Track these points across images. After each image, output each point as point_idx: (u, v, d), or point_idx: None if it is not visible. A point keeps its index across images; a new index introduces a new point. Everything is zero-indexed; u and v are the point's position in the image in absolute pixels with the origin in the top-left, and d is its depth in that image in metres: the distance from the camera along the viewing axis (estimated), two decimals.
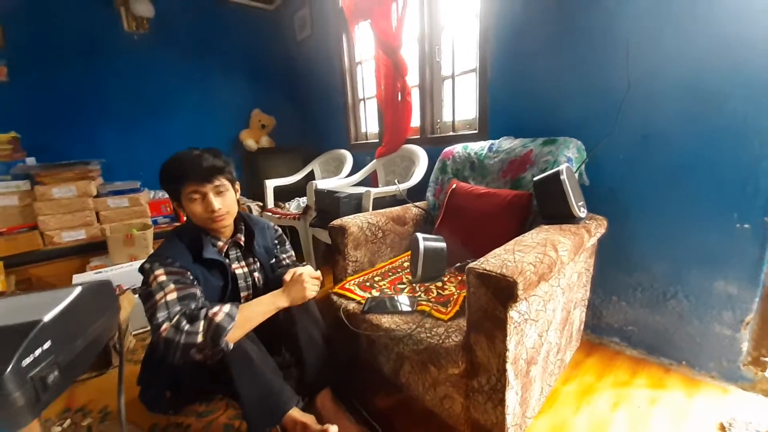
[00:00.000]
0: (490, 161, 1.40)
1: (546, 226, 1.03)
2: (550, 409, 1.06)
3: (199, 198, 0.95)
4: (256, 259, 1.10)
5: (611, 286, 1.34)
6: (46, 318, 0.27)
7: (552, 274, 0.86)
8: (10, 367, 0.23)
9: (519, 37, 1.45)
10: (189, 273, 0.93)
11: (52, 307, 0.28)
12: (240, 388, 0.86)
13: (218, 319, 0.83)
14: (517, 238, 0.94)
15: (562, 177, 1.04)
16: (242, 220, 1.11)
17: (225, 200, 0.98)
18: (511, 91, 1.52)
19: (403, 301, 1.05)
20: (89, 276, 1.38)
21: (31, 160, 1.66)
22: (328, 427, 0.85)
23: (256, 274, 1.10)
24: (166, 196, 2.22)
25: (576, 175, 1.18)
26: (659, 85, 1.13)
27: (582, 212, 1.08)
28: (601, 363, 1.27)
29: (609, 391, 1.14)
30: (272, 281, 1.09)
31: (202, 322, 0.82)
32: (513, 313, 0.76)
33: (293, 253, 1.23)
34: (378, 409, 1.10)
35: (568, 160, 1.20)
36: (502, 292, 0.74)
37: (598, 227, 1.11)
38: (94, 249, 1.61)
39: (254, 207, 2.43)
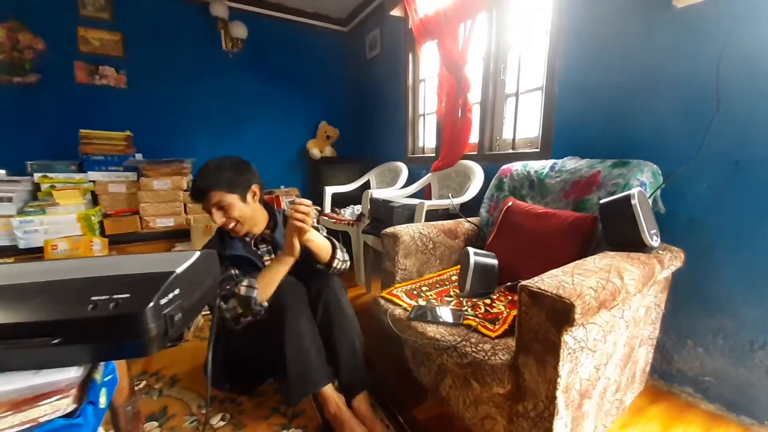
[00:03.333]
0: (552, 181, 1.35)
1: (612, 253, 0.97)
2: None
3: (212, 212, 1.06)
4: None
5: (686, 328, 1.20)
6: (178, 270, 0.35)
7: (615, 303, 0.81)
8: (152, 304, 0.31)
9: (590, 53, 1.40)
10: (226, 261, 1.06)
11: (181, 263, 0.36)
12: (287, 359, 0.95)
13: (242, 292, 0.96)
14: (577, 262, 0.90)
15: (633, 201, 0.98)
16: (276, 216, 1.22)
17: (229, 213, 1.05)
18: (579, 109, 1.46)
19: (449, 313, 1.05)
20: None
21: (139, 156, 1.99)
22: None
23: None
24: None
25: (650, 200, 1.09)
26: (758, 107, 1.02)
27: (654, 241, 1.00)
28: (668, 413, 1.13)
29: None
30: (303, 270, 1.17)
31: (232, 300, 0.96)
32: (568, 338, 0.73)
33: (325, 233, 1.25)
34: (417, 420, 1.10)
35: (641, 184, 1.12)
36: (557, 314, 0.71)
37: (673, 259, 1.01)
38: (180, 236, 1.86)
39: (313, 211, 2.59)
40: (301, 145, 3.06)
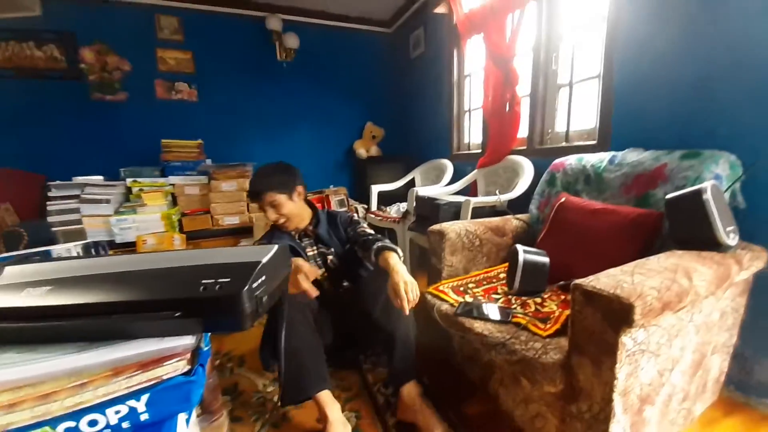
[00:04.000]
0: (611, 175, 1.27)
1: (679, 252, 0.91)
2: None
3: (265, 210, 1.21)
4: (329, 246, 1.30)
5: None
6: (264, 260, 0.43)
7: (682, 305, 0.76)
8: (247, 286, 0.38)
9: (654, 38, 1.29)
10: None
11: (264, 255, 0.44)
12: (282, 368, 0.99)
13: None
14: (638, 261, 0.85)
15: (705, 196, 0.90)
16: (318, 215, 1.33)
17: (280, 211, 1.21)
18: (642, 98, 1.35)
19: (498, 311, 1.05)
20: None
21: (209, 161, 2.23)
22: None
23: (329, 257, 1.30)
24: None
25: (726, 195, 0.99)
26: None
27: (732, 239, 0.91)
28: (744, 426, 1.02)
29: None
30: (351, 265, 1.29)
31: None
32: (627, 340, 0.70)
33: (367, 229, 1.30)
34: (465, 415, 1.11)
35: (716, 177, 1.02)
36: (614, 314, 0.69)
37: (753, 260, 0.92)
38: (243, 232, 2.06)
39: (360, 208, 2.69)
40: (348, 145, 3.18)
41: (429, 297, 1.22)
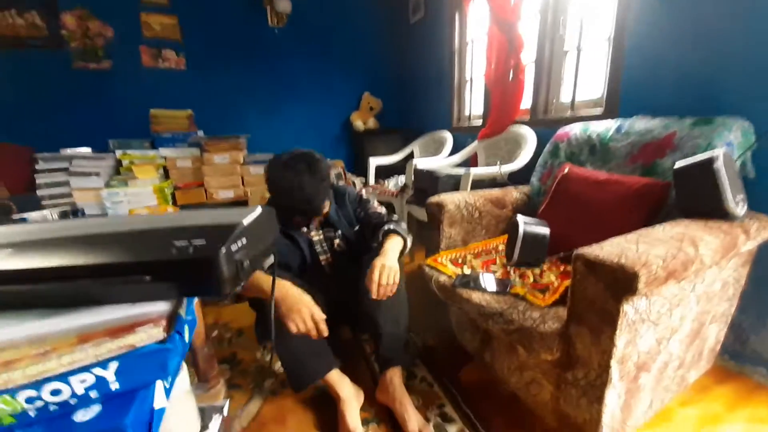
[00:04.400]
0: (617, 144, 1.22)
1: (686, 221, 0.88)
2: (658, 426, 0.93)
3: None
4: (336, 228, 1.19)
5: None
6: (244, 221, 0.39)
7: (686, 274, 0.74)
8: (224, 248, 0.35)
9: None
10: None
11: (246, 216, 0.40)
12: (278, 354, 0.98)
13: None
14: (642, 230, 0.83)
15: (716, 164, 0.86)
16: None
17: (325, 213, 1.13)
18: (654, 62, 1.28)
19: (496, 282, 1.03)
20: None
21: (200, 133, 2.15)
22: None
23: (336, 241, 1.19)
24: None
25: (737, 163, 0.95)
26: None
27: (740, 209, 0.88)
28: (736, 394, 1.04)
29: (741, 425, 0.94)
30: (359, 248, 1.17)
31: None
32: (628, 308, 0.69)
33: (378, 208, 1.21)
34: (461, 383, 1.13)
35: (728, 144, 0.97)
36: (617, 283, 0.67)
37: (760, 230, 0.89)
38: (239, 206, 2.02)
39: (357, 182, 2.64)
40: (345, 117, 3.08)
41: (427, 269, 1.20)
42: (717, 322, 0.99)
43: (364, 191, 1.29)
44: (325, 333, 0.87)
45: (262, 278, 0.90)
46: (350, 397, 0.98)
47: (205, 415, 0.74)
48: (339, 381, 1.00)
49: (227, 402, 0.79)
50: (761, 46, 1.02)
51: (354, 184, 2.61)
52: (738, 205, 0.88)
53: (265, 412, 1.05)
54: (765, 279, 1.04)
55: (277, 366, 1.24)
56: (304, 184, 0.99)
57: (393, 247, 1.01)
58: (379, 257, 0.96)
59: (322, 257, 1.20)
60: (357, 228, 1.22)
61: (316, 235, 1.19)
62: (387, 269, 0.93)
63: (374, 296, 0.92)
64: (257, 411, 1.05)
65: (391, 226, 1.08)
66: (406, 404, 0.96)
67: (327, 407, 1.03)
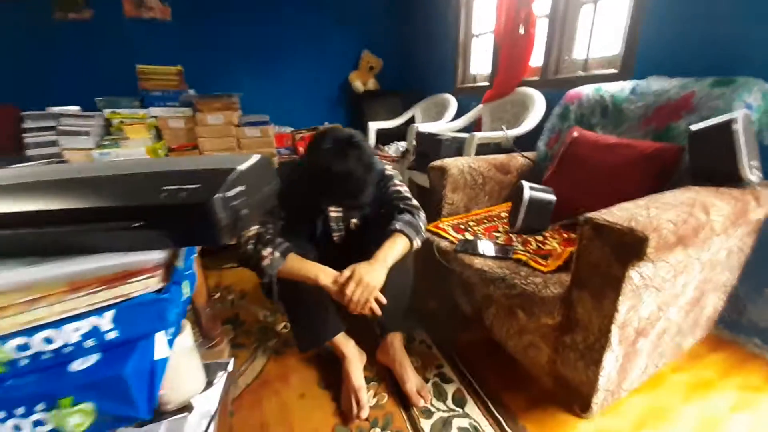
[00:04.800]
0: (631, 106, 1.16)
1: (696, 187, 0.85)
2: (651, 390, 0.97)
3: None
4: (360, 209, 1.09)
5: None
6: (240, 167, 0.36)
7: (696, 240, 0.73)
8: (218, 194, 0.32)
9: None
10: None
11: (243, 162, 0.37)
12: (288, 315, 1.00)
13: (265, 263, 0.88)
14: (652, 195, 0.80)
15: (735, 126, 0.82)
16: None
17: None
18: (676, 17, 1.19)
19: (498, 248, 1.02)
20: None
21: (192, 92, 2.03)
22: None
23: (353, 220, 1.11)
24: (288, 131, 2.51)
25: (755, 127, 0.91)
26: None
27: (754, 175, 0.85)
28: (728, 362, 1.07)
29: (731, 392, 0.97)
30: (372, 227, 1.08)
31: (259, 256, 0.89)
32: (634, 274, 0.68)
33: (399, 186, 1.11)
34: (460, 346, 1.15)
35: (748, 106, 0.92)
36: (625, 248, 0.66)
37: None
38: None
39: None
40: (344, 78, 2.92)
41: (428, 234, 1.18)
42: (717, 291, 1.00)
43: (389, 167, 1.16)
44: (378, 312, 0.88)
45: (306, 264, 0.91)
46: (355, 356, 1.00)
47: (210, 371, 0.75)
48: (345, 342, 1.02)
49: (232, 360, 0.80)
50: None
51: None
52: (752, 171, 0.85)
53: (269, 369, 1.08)
54: (766, 248, 1.04)
55: (281, 326, 1.26)
56: (354, 176, 0.88)
57: (388, 254, 0.91)
58: (363, 266, 0.87)
59: (335, 234, 1.12)
60: (379, 206, 1.10)
61: (335, 212, 1.10)
62: (363, 286, 0.84)
63: (347, 308, 0.87)
64: (261, 368, 1.08)
65: (399, 225, 0.96)
66: (405, 365, 0.98)
67: (329, 366, 1.06)
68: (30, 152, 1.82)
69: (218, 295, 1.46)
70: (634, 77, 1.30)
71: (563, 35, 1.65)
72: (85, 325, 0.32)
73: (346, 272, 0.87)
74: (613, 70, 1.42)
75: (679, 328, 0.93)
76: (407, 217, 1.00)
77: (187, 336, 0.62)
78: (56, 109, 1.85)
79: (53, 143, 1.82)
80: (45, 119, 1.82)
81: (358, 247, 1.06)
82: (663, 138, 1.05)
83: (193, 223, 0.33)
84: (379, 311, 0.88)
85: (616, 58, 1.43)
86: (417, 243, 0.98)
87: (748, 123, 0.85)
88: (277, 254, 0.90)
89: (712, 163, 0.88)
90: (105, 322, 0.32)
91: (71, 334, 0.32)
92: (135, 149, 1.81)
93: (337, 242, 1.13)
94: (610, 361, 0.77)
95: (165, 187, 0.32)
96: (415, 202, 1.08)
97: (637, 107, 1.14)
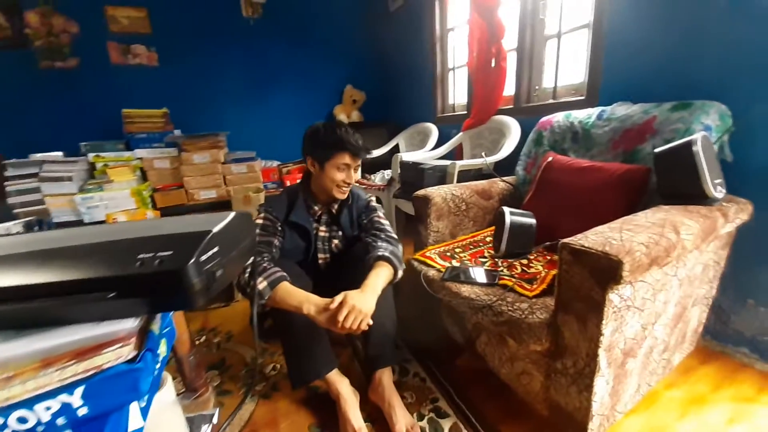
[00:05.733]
0: (599, 131, 1.23)
1: (666, 206, 0.89)
2: (646, 410, 0.96)
3: (345, 169, 1.09)
4: (340, 228, 1.19)
5: (748, 288, 1.10)
6: (215, 229, 0.37)
7: (669, 259, 0.75)
8: (193, 259, 0.32)
9: None
10: (279, 224, 1.10)
11: (217, 223, 0.38)
12: (283, 348, 1.00)
13: (260, 286, 0.92)
14: (625, 217, 0.83)
15: (695, 148, 0.87)
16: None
17: (356, 176, 1.14)
18: (633, 48, 1.28)
19: (484, 274, 1.03)
20: None
21: (177, 132, 2.07)
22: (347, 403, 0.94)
23: (335, 241, 1.19)
24: (275, 165, 2.54)
25: (715, 147, 0.97)
26: None
27: (718, 192, 0.90)
28: (719, 373, 1.08)
29: (726, 404, 0.97)
30: (351, 251, 1.17)
31: (251, 283, 0.93)
32: (613, 297, 0.69)
33: (382, 219, 1.20)
34: (453, 375, 1.13)
35: (706, 128, 0.99)
36: (602, 272, 0.67)
37: (738, 212, 0.91)
38: (221, 206, 1.96)
39: None
40: (328, 111, 3.02)
41: (415, 263, 1.20)
42: (699, 305, 1.02)
43: (374, 199, 1.26)
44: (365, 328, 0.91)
45: (294, 294, 0.93)
46: (351, 396, 0.98)
47: (194, 425, 0.72)
48: (339, 380, 0.99)
49: (217, 410, 0.78)
50: (736, 32, 1.03)
51: None
52: (716, 189, 0.89)
53: (258, 416, 1.03)
54: (743, 260, 1.07)
55: (269, 368, 1.22)
56: (355, 133, 1.09)
57: (377, 282, 0.96)
58: (355, 293, 0.91)
59: (321, 256, 1.20)
60: (356, 233, 1.21)
61: (324, 231, 1.19)
62: (356, 312, 0.88)
63: (337, 331, 0.89)
64: (249, 416, 1.03)
65: (386, 253, 1.03)
66: (394, 404, 0.96)
67: (320, 409, 1.02)
68: (11, 200, 1.79)
69: (203, 338, 1.42)
70: (599, 103, 1.38)
71: (532, 67, 1.75)
72: (55, 403, 0.31)
73: (338, 298, 0.90)
74: (580, 97, 1.51)
75: (666, 345, 0.94)
76: (391, 247, 1.07)
77: (167, 390, 0.60)
78: (38, 156, 1.85)
79: (35, 190, 1.80)
80: (27, 166, 1.81)
81: (339, 270, 1.16)
82: (631, 160, 1.10)
83: (168, 290, 0.33)
84: (365, 328, 0.91)
85: (582, 85, 1.52)
86: (400, 273, 1.06)
87: (707, 143, 0.91)
88: (265, 284, 0.93)
89: (677, 184, 0.92)
90: (75, 398, 0.32)
91: (43, 412, 0.31)
92: (119, 192, 1.80)
93: (322, 265, 1.20)
94: (601, 384, 0.77)
95: (140, 256, 0.33)
96: (394, 234, 1.15)
97: (605, 132, 1.21)
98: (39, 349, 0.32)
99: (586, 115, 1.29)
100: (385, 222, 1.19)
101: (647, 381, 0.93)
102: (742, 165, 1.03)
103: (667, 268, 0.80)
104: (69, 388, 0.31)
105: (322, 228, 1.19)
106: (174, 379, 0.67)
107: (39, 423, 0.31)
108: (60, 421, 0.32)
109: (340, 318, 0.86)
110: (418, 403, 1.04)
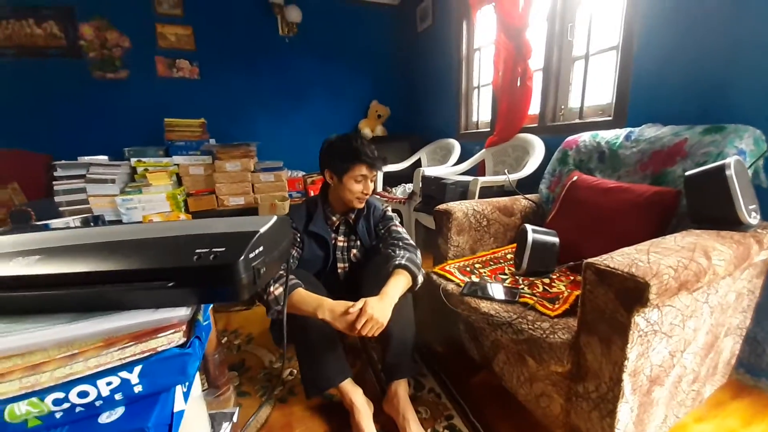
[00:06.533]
0: (626, 152, 1.22)
1: (697, 231, 0.87)
2: None
3: (363, 180, 1.13)
4: (358, 238, 1.22)
5: None
6: (261, 230, 0.41)
7: (698, 285, 0.73)
8: (243, 256, 0.36)
9: (678, 5, 1.20)
10: (298, 235, 1.14)
11: (263, 225, 0.42)
12: (297, 356, 1.01)
13: (271, 297, 0.96)
14: (653, 240, 0.82)
15: (728, 172, 0.85)
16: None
17: (372, 186, 1.17)
18: (662, 70, 1.28)
19: (505, 291, 1.03)
20: None
21: (212, 141, 2.20)
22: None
23: (354, 251, 1.22)
24: (300, 175, 2.63)
25: (749, 171, 0.94)
26: None
27: (753, 218, 0.87)
28: (752, 408, 1.01)
29: None
30: (370, 260, 1.18)
31: (267, 289, 0.96)
32: (639, 320, 0.68)
33: (399, 227, 1.21)
34: (469, 393, 1.12)
35: (740, 152, 0.96)
36: (627, 293, 0.67)
37: None
38: (249, 213, 2.06)
39: None
40: (353, 125, 3.11)
41: (434, 277, 1.20)
42: (732, 335, 0.97)
43: (390, 208, 1.29)
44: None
45: (308, 299, 0.95)
46: (364, 407, 0.98)
47: (215, 421, 0.75)
48: (353, 390, 1.00)
49: (237, 409, 0.80)
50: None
51: None
52: (750, 215, 0.86)
53: (273, 420, 1.05)
54: None
55: (286, 373, 1.24)
56: (365, 138, 1.15)
57: (395, 291, 0.98)
58: (374, 301, 0.92)
59: (340, 265, 1.23)
60: (374, 244, 1.24)
61: (342, 241, 1.23)
62: (372, 322, 0.89)
63: (351, 335, 0.92)
64: (266, 419, 1.06)
65: (403, 261, 1.04)
66: (409, 418, 0.95)
67: (334, 417, 1.03)
68: (58, 198, 1.94)
69: (225, 339, 1.46)
70: (627, 124, 1.37)
71: (558, 87, 1.76)
72: (116, 378, 0.35)
73: (359, 305, 0.91)
74: (608, 118, 1.50)
75: (696, 375, 0.90)
76: (408, 254, 1.08)
77: (195, 384, 0.63)
78: (86, 159, 2.01)
79: (81, 190, 1.94)
80: (75, 168, 1.96)
81: (359, 282, 1.16)
82: (660, 182, 1.09)
83: (219, 282, 0.37)
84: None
85: (609, 106, 1.52)
86: (420, 279, 1.07)
87: (740, 168, 0.89)
88: (280, 290, 0.96)
89: (710, 208, 0.90)
90: (133, 375, 0.35)
91: (104, 387, 0.35)
92: (156, 195, 1.92)
93: (341, 274, 1.23)
94: (625, 411, 0.75)
95: (197, 250, 0.36)
96: (412, 242, 1.17)
97: (633, 153, 1.20)
98: (103, 330, 0.36)
99: (614, 135, 1.29)
100: (402, 230, 1.21)
101: (675, 412, 0.89)
102: None
103: (697, 293, 0.78)
104: (129, 366, 0.35)
105: (341, 238, 1.23)
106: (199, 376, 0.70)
107: (99, 397, 0.35)
108: (117, 396, 0.35)
109: (358, 326, 0.88)
110: (433, 419, 1.03)
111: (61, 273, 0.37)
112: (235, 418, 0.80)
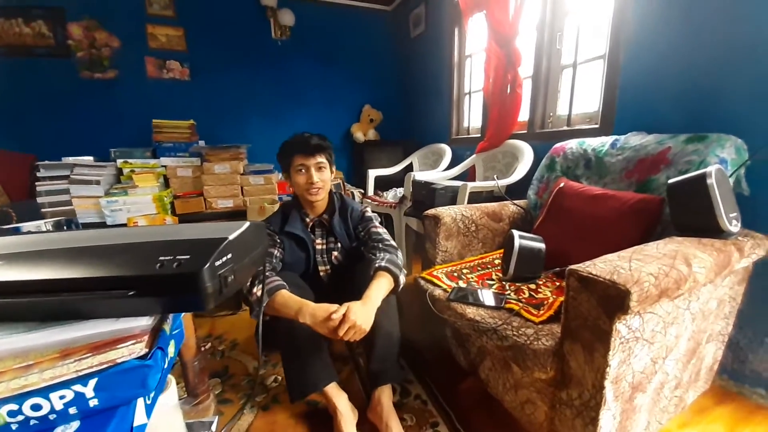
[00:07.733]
0: (612, 159, 1.23)
1: (679, 238, 0.88)
2: None
3: (304, 170, 1.13)
4: (337, 240, 1.21)
5: (766, 326, 1.05)
6: (230, 237, 0.40)
7: (679, 292, 0.73)
8: (208, 264, 0.35)
9: (664, 14, 1.22)
10: (277, 236, 1.14)
11: (232, 232, 0.41)
12: (283, 359, 1.00)
13: (254, 298, 0.97)
14: (636, 247, 0.82)
15: (709, 180, 0.86)
16: (334, 202, 1.23)
17: (322, 176, 1.15)
18: (648, 79, 1.30)
19: (490, 296, 1.03)
20: None
21: (202, 143, 2.17)
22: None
23: (335, 253, 1.21)
24: None
25: (731, 180, 0.96)
26: None
27: (734, 226, 0.88)
28: (735, 415, 1.02)
29: None
30: (353, 264, 1.17)
31: (252, 290, 0.97)
32: (621, 327, 0.68)
33: (379, 228, 1.20)
34: (455, 399, 1.11)
35: (721, 161, 0.98)
36: (609, 300, 0.67)
37: (754, 247, 0.89)
38: (238, 215, 2.03)
39: (356, 193, 2.65)
40: (346, 128, 3.11)
41: (422, 282, 1.20)
42: (714, 341, 0.98)
43: (369, 209, 1.28)
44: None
45: (290, 302, 0.94)
46: (348, 413, 0.97)
47: (192, 430, 0.73)
48: (338, 395, 0.99)
49: (216, 418, 0.78)
50: (754, 65, 1.03)
51: (353, 195, 2.62)
52: (731, 223, 0.87)
53: (255, 428, 1.03)
54: (762, 297, 1.04)
55: (270, 380, 1.22)
56: (308, 133, 1.18)
57: (377, 294, 0.97)
58: (357, 307, 0.90)
59: (321, 268, 1.22)
60: (355, 245, 1.23)
61: (320, 244, 1.22)
62: (356, 328, 0.89)
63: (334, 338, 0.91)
64: (247, 427, 1.03)
65: (383, 263, 1.04)
66: (392, 426, 0.94)
67: (318, 424, 1.01)
68: (41, 199, 1.90)
69: (209, 345, 1.43)
70: (613, 132, 1.39)
71: (547, 94, 1.78)
72: (70, 392, 0.33)
73: (341, 310, 0.89)
74: (594, 126, 1.52)
75: (678, 382, 0.90)
76: (388, 255, 1.08)
77: (171, 394, 0.61)
78: (71, 159, 1.96)
79: (65, 191, 1.90)
80: (59, 168, 1.92)
81: (341, 282, 1.18)
82: (644, 190, 1.10)
83: (183, 292, 0.36)
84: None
85: (596, 114, 1.54)
86: (402, 279, 1.06)
87: (722, 177, 0.90)
88: (269, 285, 0.95)
89: (691, 216, 0.91)
90: (88, 389, 0.34)
91: (57, 401, 0.33)
92: (142, 197, 1.88)
93: (324, 277, 1.22)
94: (608, 419, 0.75)
95: (160, 258, 0.35)
96: (393, 242, 1.17)
97: (619, 160, 1.21)
98: (59, 341, 0.34)
99: (600, 143, 1.30)
100: (382, 231, 1.20)
101: (658, 419, 0.89)
102: (760, 199, 1.01)
103: (678, 300, 0.78)
104: (83, 379, 0.34)
105: (318, 240, 1.22)
106: (177, 384, 0.68)
107: (52, 410, 0.33)
108: (72, 410, 0.34)
109: (341, 333, 0.87)
110: (418, 426, 1.01)
111: (19, 280, 0.35)
112: (213, 427, 0.78)
